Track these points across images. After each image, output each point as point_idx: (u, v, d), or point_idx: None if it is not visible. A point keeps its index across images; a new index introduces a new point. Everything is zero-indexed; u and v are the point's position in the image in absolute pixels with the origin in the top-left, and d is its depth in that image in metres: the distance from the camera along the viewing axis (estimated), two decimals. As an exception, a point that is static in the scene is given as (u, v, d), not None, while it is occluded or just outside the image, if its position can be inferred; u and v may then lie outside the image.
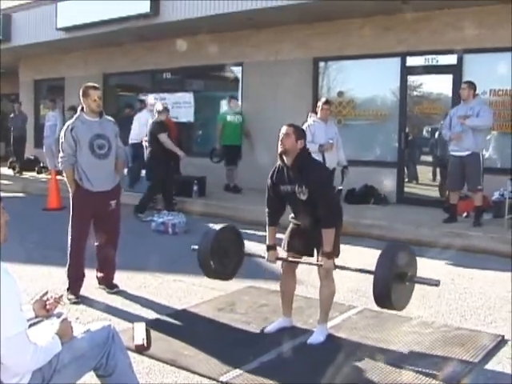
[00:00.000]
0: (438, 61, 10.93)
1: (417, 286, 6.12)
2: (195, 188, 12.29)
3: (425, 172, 12.10)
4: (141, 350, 4.49)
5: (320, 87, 12.69)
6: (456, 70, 10.61)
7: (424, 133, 12.11)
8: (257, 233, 7.77)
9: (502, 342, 4.94)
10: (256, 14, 11.66)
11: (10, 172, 17.81)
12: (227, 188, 12.90)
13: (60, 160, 6.10)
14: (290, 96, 12.49)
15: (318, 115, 9.14)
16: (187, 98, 14.63)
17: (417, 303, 5.98)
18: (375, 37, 11.38)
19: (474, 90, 9.15)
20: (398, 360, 4.51)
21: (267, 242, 5.14)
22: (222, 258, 5.26)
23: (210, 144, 14.26)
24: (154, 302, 6.09)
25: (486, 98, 10.07)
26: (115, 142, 6.18)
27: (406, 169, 11.78)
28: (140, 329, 4.55)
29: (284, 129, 4.82)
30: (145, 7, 12.86)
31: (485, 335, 5.08)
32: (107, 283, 6.39)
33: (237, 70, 14.04)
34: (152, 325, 4.93)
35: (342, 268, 4.92)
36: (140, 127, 12.70)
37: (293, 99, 12.49)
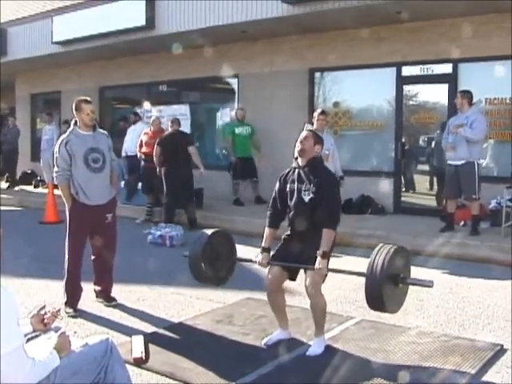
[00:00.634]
0: (433, 70, 10.97)
1: (415, 296, 6.14)
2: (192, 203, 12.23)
3: (422, 181, 12.11)
4: (139, 363, 4.48)
5: (316, 98, 12.71)
6: (451, 79, 10.65)
7: (420, 142, 12.13)
8: (251, 244, 7.74)
9: (500, 352, 4.93)
10: (250, 26, 11.71)
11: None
12: (236, 202, 12.57)
13: (55, 175, 6.10)
14: (286, 107, 12.52)
15: (314, 126, 9.14)
16: (183, 109, 14.65)
17: (415, 313, 6.00)
18: (370, 47, 11.42)
19: (470, 98, 9.16)
20: (397, 371, 4.49)
21: (262, 244, 5.11)
22: (214, 262, 5.20)
23: (206, 156, 14.29)
24: (152, 314, 6.07)
25: (482, 106, 10.10)
26: (109, 155, 6.19)
27: (402, 178, 11.79)
28: (138, 342, 4.54)
29: (304, 133, 5.07)
30: (140, 20, 12.90)
31: (484, 344, 5.07)
32: (105, 296, 6.37)
33: (232, 82, 14.07)
34: (150, 338, 4.92)
35: (335, 271, 4.89)
36: (134, 139, 12.68)
37: (289, 110, 12.52)
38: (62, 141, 6.02)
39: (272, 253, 5.08)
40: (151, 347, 4.60)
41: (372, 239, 9.13)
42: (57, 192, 9.06)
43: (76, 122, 6.07)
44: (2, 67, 16.60)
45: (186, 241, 9.48)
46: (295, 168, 5.04)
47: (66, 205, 6.10)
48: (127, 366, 3.56)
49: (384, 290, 4.36)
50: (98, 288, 6.41)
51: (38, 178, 17.58)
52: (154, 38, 13.17)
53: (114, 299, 6.38)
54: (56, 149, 6.07)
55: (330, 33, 11.88)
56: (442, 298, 6.62)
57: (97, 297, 6.43)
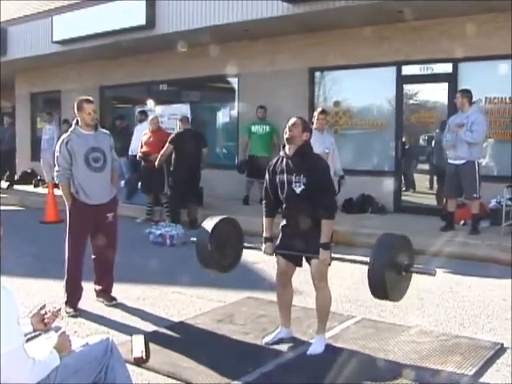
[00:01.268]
0: (433, 69, 10.97)
1: (415, 295, 6.15)
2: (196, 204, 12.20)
3: (422, 180, 12.12)
4: (140, 362, 4.49)
5: (316, 97, 12.71)
6: (452, 79, 10.65)
7: (421, 141, 12.13)
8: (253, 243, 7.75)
9: (501, 350, 4.93)
10: (251, 25, 11.70)
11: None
12: (246, 201, 12.52)
13: (56, 174, 6.11)
14: (287, 106, 12.48)
15: (314, 125, 9.13)
16: (184, 109, 14.63)
17: (415, 312, 6.01)
18: (371, 46, 11.42)
19: (470, 98, 9.16)
20: (397, 370, 4.49)
21: (264, 234, 5.11)
22: (221, 247, 5.16)
23: (207, 155, 14.30)
24: (153, 314, 6.07)
25: (482, 105, 10.09)
26: (110, 155, 6.19)
27: (403, 177, 11.79)
28: (139, 341, 4.55)
29: (292, 120, 4.96)
30: (140, 20, 12.90)
31: (484, 343, 5.08)
32: (105, 296, 6.38)
33: (233, 81, 14.07)
34: (150, 337, 4.93)
35: (338, 260, 4.90)
36: (140, 139, 12.67)
37: (289, 109, 12.43)
38: (63, 140, 6.02)
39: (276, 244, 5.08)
40: (152, 346, 4.62)
41: (372, 238, 9.08)
42: (57, 191, 9.09)
43: (78, 121, 6.08)
44: (2, 66, 16.61)
45: (186, 239, 9.48)
46: (283, 157, 4.97)
47: (67, 204, 6.11)
48: (128, 365, 3.56)
49: (387, 278, 4.33)
50: (98, 287, 6.41)
51: (38, 178, 17.59)
52: (154, 38, 13.16)
53: (114, 298, 6.38)
54: (57, 148, 6.08)
55: (331, 32, 11.87)
56: (442, 296, 6.63)
57: (97, 296, 6.43)
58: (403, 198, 11.66)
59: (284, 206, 4.98)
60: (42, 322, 3.33)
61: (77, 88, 15.94)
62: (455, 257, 8.28)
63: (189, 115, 14.15)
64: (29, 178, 18.07)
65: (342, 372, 4.41)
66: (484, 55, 10.15)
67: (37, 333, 3.31)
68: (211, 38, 12.36)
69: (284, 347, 4.96)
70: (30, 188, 17.27)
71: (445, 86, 10.84)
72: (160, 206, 11.80)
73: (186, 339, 5.29)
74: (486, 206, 9.74)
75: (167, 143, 11.00)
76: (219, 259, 5.19)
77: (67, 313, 5.89)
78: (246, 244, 5.41)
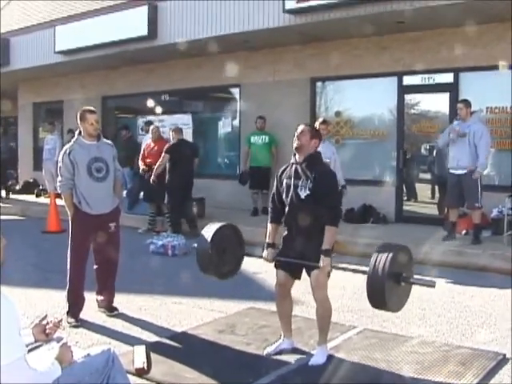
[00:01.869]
0: (434, 79, 10.99)
1: (417, 305, 6.14)
2: (194, 209, 12.24)
3: (423, 190, 12.11)
4: (141, 373, 4.48)
5: (318, 107, 12.73)
6: (452, 88, 10.67)
7: (422, 151, 12.12)
8: (255, 254, 7.75)
9: (503, 361, 4.92)
10: (253, 35, 11.74)
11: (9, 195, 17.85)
12: (255, 213, 12.41)
13: (58, 184, 6.12)
14: (288, 116, 12.49)
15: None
16: (185, 119, 14.67)
17: (417, 322, 6.00)
18: (372, 56, 11.46)
19: (470, 107, 9.23)
20: (400, 380, 4.49)
21: (267, 240, 5.10)
22: (222, 254, 5.13)
23: (208, 165, 14.33)
24: (154, 324, 6.07)
25: (483, 115, 10.11)
26: (113, 165, 6.20)
27: (404, 187, 11.79)
28: (140, 352, 4.55)
29: (300, 127, 4.97)
30: (142, 30, 12.94)
31: (486, 354, 5.06)
32: (107, 306, 6.37)
33: (235, 92, 14.10)
34: (152, 348, 4.92)
35: (339, 268, 4.88)
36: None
37: (291, 119, 12.42)
38: (66, 150, 6.04)
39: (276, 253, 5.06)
40: (153, 357, 4.61)
41: (373, 248, 9.11)
42: (59, 201, 9.10)
43: (80, 131, 6.10)
44: (4, 76, 16.65)
45: (188, 250, 9.48)
46: (293, 163, 4.99)
47: (69, 214, 6.12)
48: (129, 376, 3.56)
49: (386, 288, 4.31)
50: (100, 298, 6.41)
51: (40, 188, 17.59)
52: (156, 48, 13.21)
53: (116, 309, 6.38)
54: (60, 158, 6.10)
55: (332, 42, 11.92)
56: (443, 306, 6.62)
57: (99, 306, 6.42)
58: (405, 207, 11.65)
59: (287, 210, 4.96)
60: (44, 333, 3.33)
61: (79, 98, 15.99)
62: (457, 266, 8.27)
63: (190, 125, 14.20)
64: (31, 187, 18.08)
65: (344, 383, 4.40)
66: (484, 65, 10.18)
67: (38, 343, 3.30)
68: (213, 48, 12.40)
69: (286, 358, 4.95)
70: (32, 198, 17.27)
71: (446, 95, 10.86)
72: (162, 216, 11.81)
73: (188, 350, 5.28)
74: (487, 215, 9.74)
75: (163, 153, 11.05)
76: (219, 265, 5.16)
77: (69, 323, 5.89)
78: (247, 252, 5.39)
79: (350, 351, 5.15)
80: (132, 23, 13.14)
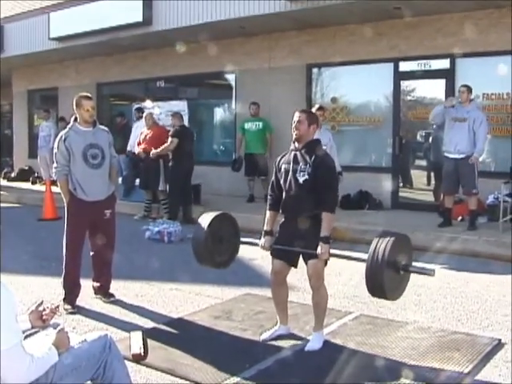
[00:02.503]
0: (430, 65, 10.97)
1: (413, 291, 6.15)
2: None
3: (419, 176, 12.12)
4: (138, 359, 4.49)
5: (314, 94, 12.71)
6: (449, 75, 10.66)
7: (418, 137, 12.12)
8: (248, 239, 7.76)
9: (498, 346, 4.94)
10: (248, 21, 11.70)
11: (5, 182, 17.82)
12: (250, 199, 12.43)
13: (54, 171, 6.11)
14: (284, 103, 12.49)
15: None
16: (181, 106, 14.61)
17: (413, 308, 6.02)
18: (368, 42, 11.42)
19: (471, 93, 9.25)
20: (395, 366, 4.50)
21: (264, 227, 5.07)
22: (218, 243, 5.12)
23: (205, 151, 14.31)
24: (151, 310, 6.08)
25: (479, 102, 10.10)
26: (109, 152, 6.18)
27: (400, 174, 11.80)
28: (137, 338, 4.56)
29: (297, 115, 4.90)
30: (137, 16, 12.88)
31: (481, 339, 5.08)
32: (103, 293, 6.38)
33: (230, 78, 14.06)
34: (149, 334, 4.93)
35: (337, 256, 4.87)
36: (139, 136, 12.71)
37: (286, 106, 12.44)
38: (61, 137, 6.02)
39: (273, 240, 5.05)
40: (150, 343, 4.62)
41: (370, 234, 9.11)
42: (55, 188, 9.09)
43: (76, 118, 6.07)
44: (-1, 63, 16.60)
45: (184, 236, 9.48)
46: (292, 150, 4.96)
47: (65, 201, 6.11)
48: (126, 362, 3.56)
49: (385, 276, 4.30)
50: (96, 284, 6.41)
51: (36, 175, 17.57)
52: (151, 34, 13.15)
53: (112, 295, 6.38)
54: (55, 145, 6.08)
55: (328, 28, 11.88)
56: (439, 292, 6.64)
57: (95, 293, 6.43)
58: (400, 194, 11.66)
59: (284, 196, 4.94)
60: (41, 319, 3.32)
61: (74, 85, 15.96)
62: (453, 253, 8.28)
63: (186, 112, 14.16)
64: (26, 175, 18.06)
65: (340, 368, 4.42)
66: (481, 51, 10.17)
67: (35, 330, 3.31)
68: (208, 34, 12.35)
69: (282, 344, 4.97)
70: (27, 185, 17.24)
71: (442, 82, 10.84)
72: (158, 202, 11.82)
73: (184, 336, 5.30)
74: (483, 202, 9.76)
75: (171, 137, 11.03)
76: (215, 255, 5.15)
77: (65, 310, 5.90)
78: (242, 239, 5.37)
79: (346, 337, 5.16)
80: (127, 9, 13.06)
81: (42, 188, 13.89)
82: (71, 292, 6.10)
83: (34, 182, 17.37)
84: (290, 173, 4.83)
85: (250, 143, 12.50)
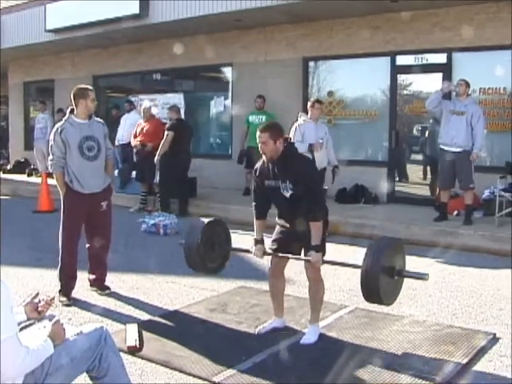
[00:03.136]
0: (427, 59, 10.95)
1: (408, 285, 6.16)
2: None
3: (415, 171, 12.12)
4: (133, 351, 4.50)
5: (310, 87, 12.69)
6: (446, 69, 10.64)
7: (414, 131, 12.12)
8: (244, 232, 7.76)
9: (493, 340, 4.96)
10: (244, 14, 11.66)
11: (0, 174, 17.77)
12: (247, 192, 12.17)
13: (50, 163, 6.08)
14: (280, 96, 12.48)
15: (309, 115, 9.13)
16: (177, 98, 14.60)
17: (408, 302, 6.02)
18: (365, 36, 11.39)
19: (469, 88, 9.25)
20: (390, 359, 4.52)
21: (254, 236, 5.07)
22: (209, 250, 5.15)
23: (201, 144, 14.30)
24: (146, 303, 6.08)
25: (476, 96, 10.10)
26: (104, 144, 6.17)
27: (396, 168, 11.79)
28: (132, 330, 4.56)
29: (259, 137, 4.75)
30: (134, 8, 12.82)
31: (476, 333, 5.10)
32: (99, 285, 6.38)
33: (226, 71, 14.03)
34: (144, 326, 4.94)
35: (330, 263, 4.91)
36: (128, 128, 12.70)
37: (283, 99, 12.47)
38: (57, 129, 6.00)
39: (272, 238, 5.05)
40: (145, 335, 4.63)
41: (366, 228, 9.17)
42: (50, 181, 9.08)
43: (72, 110, 6.06)
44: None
45: (180, 229, 9.49)
46: (268, 161, 4.83)
47: (61, 193, 6.10)
48: (121, 354, 3.57)
49: (380, 283, 4.35)
50: (92, 276, 6.41)
51: (32, 167, 17.54)
52: (147, 27, 13.10)
53: (108, 288, 6.38)
54: (51, 137, 6.06)
55: (324, 22, 11.86)
56: (435, 287, 6.65)
57: (91, 285, 6.43)
58: (397, 188, 11.66)
59: (277, 209, 4.98)
60: (36, 311, 3.32)
61: (70, 77, 15.91)
62: (448, 247, 8.29)
63: (182, 105, 14.14)
64: (22, 167, 18.02)
65: (335, 361, 4.43)
66: (478, 45, 10.16)
67: (30, 321, 3.30)
68: (205, 27, 12.32)
69: (277, 337, 4.97)
70: (23, 177, 17.20)
71: (439, 76, 10.83)
72: (153, 195, 11.81)
73: (180, 328, 5.30)
74: (479, 196, 9.77)
75: (167, 131, 11.01)
76: (207, 262, 5.18)
77: (61, 302, 5.90)
78: (234, 247, 5.43)
79: (342, 330, 5.18)
80: (123, 1, 13.00)
81: (38, 180, 13.85)
82: (67, 284, 6.09)
83: (29, 174, 17.33)
84: (275, 189, 4.78)
85: (252, 136, 12.45)
